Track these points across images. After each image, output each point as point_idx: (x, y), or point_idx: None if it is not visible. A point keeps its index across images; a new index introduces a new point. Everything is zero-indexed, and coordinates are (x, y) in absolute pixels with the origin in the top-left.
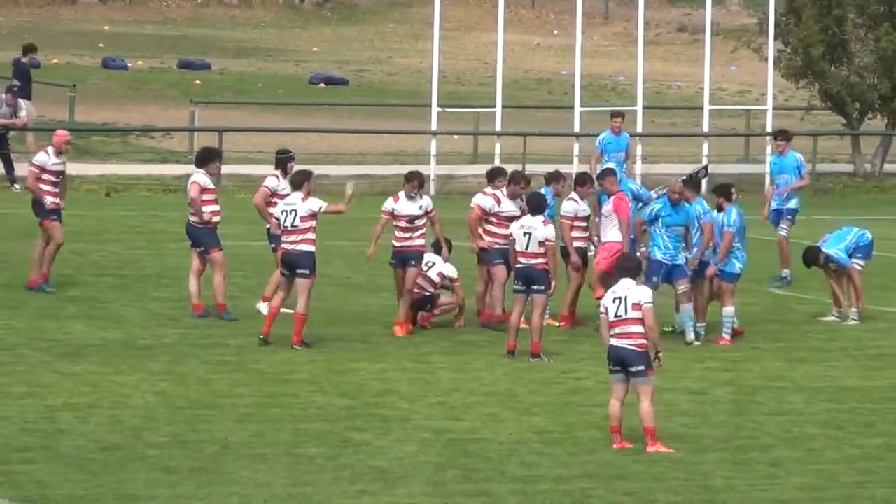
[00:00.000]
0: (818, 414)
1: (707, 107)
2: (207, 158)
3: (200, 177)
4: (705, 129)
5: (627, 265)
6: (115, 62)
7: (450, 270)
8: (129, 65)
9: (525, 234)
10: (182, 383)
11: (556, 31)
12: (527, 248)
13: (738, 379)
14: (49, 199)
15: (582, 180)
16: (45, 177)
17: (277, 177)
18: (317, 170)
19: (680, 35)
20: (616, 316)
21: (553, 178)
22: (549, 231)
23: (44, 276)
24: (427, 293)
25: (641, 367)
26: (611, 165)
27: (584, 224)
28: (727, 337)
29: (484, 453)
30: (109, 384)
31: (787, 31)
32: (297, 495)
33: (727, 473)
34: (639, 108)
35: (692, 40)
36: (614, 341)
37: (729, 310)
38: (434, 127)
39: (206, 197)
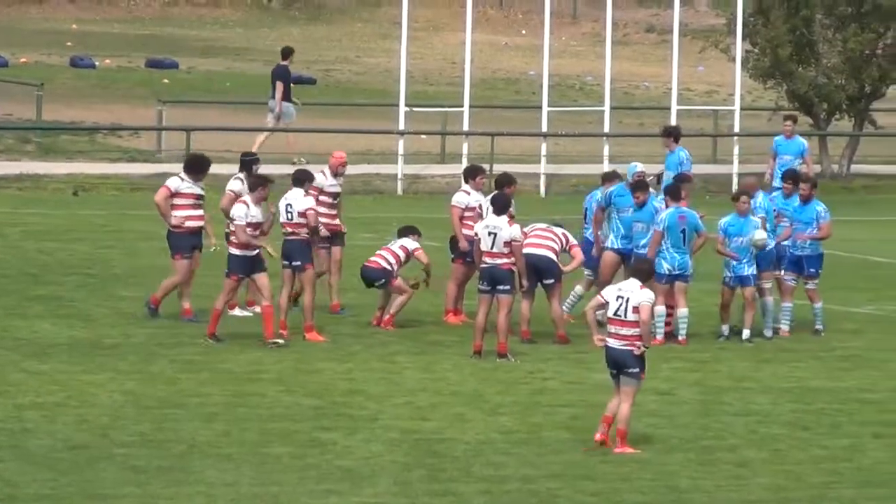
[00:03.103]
0: (784, 415)
1: (675, 107)
2: (198, 169)
3: (179, 183)
4: None
5: (639, 267)
6: (82, 61)
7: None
8: (96, 63)
9: (490, 234)
10: (150, 382)
11: (524, 31)
12: (492, 247)
13: (705, 379)
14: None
15: (506, 182)
16: (322, 198)
17: (241, 179)
18: (286, 170)
19: (648, 35)
20: (615, 314)
21: (609, 178)
22: (514, 231)
23: (337, 306)
24: (388, 267)
25: (636, 370)
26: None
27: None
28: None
29: (450, 453)
30: (77, 383)
31: (754, 32)
32: (264, 495)
33: (694, 474)
34: (606, 108)
35: (660, 41)
36: (611, 341)
37: (682, 311)
38: (402, 127)
39: (177, 202)
